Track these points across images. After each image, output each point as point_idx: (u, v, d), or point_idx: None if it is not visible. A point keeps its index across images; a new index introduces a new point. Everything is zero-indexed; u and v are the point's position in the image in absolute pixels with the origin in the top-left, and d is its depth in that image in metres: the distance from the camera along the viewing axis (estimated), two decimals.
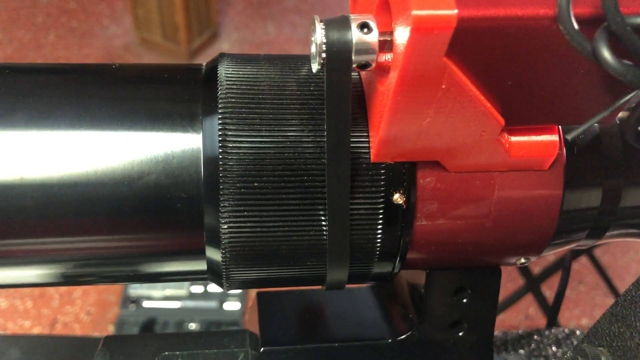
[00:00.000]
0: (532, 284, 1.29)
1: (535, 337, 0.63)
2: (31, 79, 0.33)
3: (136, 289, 1.51)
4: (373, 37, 0.27)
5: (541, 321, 1.46)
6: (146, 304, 1.49)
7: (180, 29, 2.19)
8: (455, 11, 0.24)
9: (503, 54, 0.26)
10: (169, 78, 0.34)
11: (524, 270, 1.30)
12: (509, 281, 1.83)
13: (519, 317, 1.73)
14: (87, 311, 1.63)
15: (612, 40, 0.24)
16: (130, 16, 2.31)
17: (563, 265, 0.59)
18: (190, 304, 1.48)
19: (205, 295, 1.49)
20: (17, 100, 0.32)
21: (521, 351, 0.61)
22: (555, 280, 1.43)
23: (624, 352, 0.33)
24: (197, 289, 1.48)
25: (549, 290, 1.66)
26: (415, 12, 0.24)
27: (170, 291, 1.49)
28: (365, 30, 0.27)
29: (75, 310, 1.63)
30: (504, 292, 1.76)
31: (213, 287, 1.47)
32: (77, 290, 1.66)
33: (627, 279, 1.79)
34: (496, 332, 0.62)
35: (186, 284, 1.47)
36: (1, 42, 2.30)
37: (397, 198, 0.33)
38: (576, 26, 0.25)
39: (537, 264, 1.77)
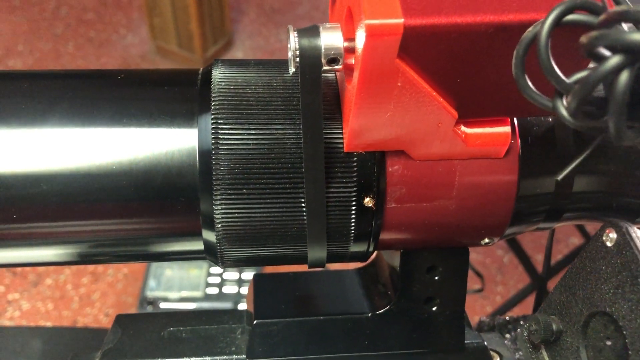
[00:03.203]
0: (539, 282, 1.31)
1: (521, 322, 0.66)
2: (48, 84, 0.38)
3: (153, 291, 1.54)
4: (339, 44, 0.32)
5: None
6: (163, 305, 1.51)
7: (195, 37, 2.23)
8: (402, 20, 0.28)
9: (449, 55, 0.30)
10: (171, 81, 0.39)
11: (530, 268, 1.33)
12: (520, 282, 1.86)
13: None
14: (105, 313, 1.68)
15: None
16: (146, 25, 2.36)
17: (545, 254, 0.63)
18: (206, 305, 1.50)
19: (220, 296, 1.51)
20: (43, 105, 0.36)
21: (507, 336, 0.65)
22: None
23: (570, 318, 0.37)
24: (212, 290, 1.52)
25: None
26: (367, 21, 0.28)
27: (186, 293, 1.52)
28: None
29: (94, 312, 1.67)
30: (512, 291, 1.79)
31: (228, 289, 1.51)
32: (96, 293, 1.70)
33: None
34: (484, 318, 0.65)
35: (202, 286, 1.51)
36: (22, 53, 2.35)
37: (368, 201, 0.37)
38: (534, 89, 0.27)
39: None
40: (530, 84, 0.27)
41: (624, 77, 0.23)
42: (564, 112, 0.26)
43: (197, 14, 2.17)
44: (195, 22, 2.19)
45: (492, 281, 1.86)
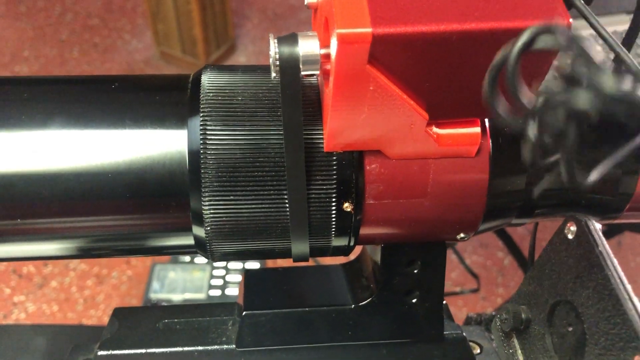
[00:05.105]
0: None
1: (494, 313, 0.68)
2: (47, 90, 0.40)
3: (157, 293, 1.55)
4: (316, 51, 0.34)
5: None
6: None
7: (198, 42, 2.25)
8: (370, 29, 0.31)
9: (417, 61, 0.33)
10: (163, 87, 0.41)
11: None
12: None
13: None
14: (109, 315, 1.69)
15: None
16: (150, 31, 2.39)
17: (529, 251, 0.65)
18: None
19: (223, 298, 1.50)
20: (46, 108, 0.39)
21: None
22: None
23: (537, 307, 0.39)
24: (215, 292, 1.53)
25: None
26: (339, 30, 0.31)
27: (189, 295, 1.53)
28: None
29: (98, 314, 1.69)
30: (513, 292, 1.80)
31: (231, 291, 1.52)
32: (101, 295, 1.72)
33: (639, 280, 1.80)
34: (471, 313, 0.67)
35: (205, 288, 1.52)
36: (28, 59, 2.38)
37: (347, 206, 0.40)
38: (507, 112, 0.28)
39: None
40: (501, 108, 0.28)
41: (570, 133, 0.25)
42: (531, 136, 0.27)
43: (201, 19, 2.19)
44: (199, 28, 2.21)
45: (493, 283, 1.87)
